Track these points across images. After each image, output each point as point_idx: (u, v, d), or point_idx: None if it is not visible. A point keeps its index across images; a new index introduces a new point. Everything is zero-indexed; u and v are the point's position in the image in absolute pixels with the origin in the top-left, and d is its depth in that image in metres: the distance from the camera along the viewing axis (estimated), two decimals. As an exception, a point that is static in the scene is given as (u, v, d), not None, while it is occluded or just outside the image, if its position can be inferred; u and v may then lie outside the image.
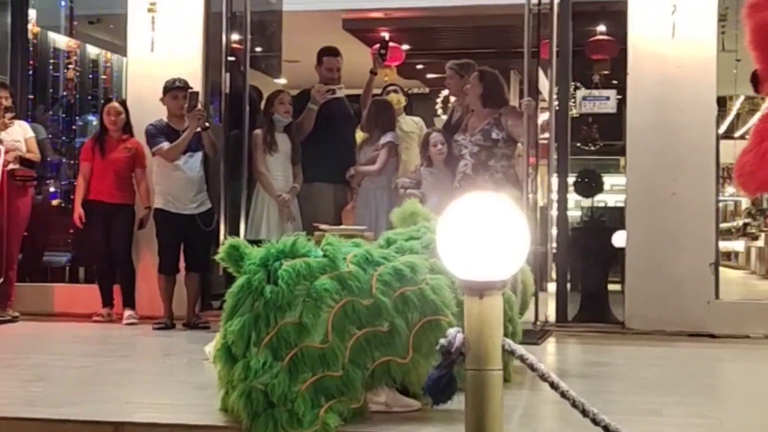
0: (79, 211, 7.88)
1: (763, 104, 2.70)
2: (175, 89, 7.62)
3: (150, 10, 8.21)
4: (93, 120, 11.31)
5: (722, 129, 13.80)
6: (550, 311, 7.88)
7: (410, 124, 8.21)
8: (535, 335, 6.81)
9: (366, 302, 3.74)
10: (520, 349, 2.74)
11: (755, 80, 2.71)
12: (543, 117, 8.33)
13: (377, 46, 8.43)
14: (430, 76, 14.18)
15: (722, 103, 13.63)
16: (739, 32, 9.45)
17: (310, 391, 3.58)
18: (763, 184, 2.64)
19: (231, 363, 3.71)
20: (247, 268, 3.75)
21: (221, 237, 7.60)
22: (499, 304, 2.72)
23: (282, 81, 10.95)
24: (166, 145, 7.49)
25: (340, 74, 7.74)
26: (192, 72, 8.05)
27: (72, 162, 10.63)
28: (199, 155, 7.63)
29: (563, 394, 2.67)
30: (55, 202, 10.17)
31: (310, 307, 3.66)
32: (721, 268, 8.05)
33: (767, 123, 2.55)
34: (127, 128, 7.98)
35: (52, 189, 10.24)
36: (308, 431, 3.53)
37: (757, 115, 2.70)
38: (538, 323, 7.43)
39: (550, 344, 7.03)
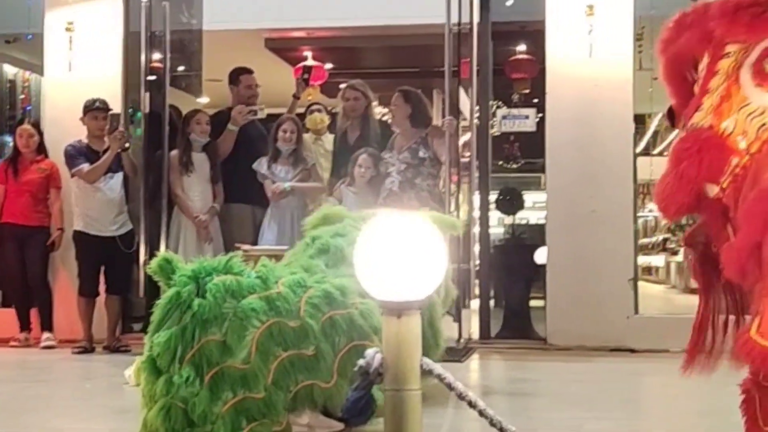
0: None
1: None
2: (94, 110, 7.54)
3: (68, 30, 8.12)
4: (10, 141, 11.11)
5: (641, 146, 14.04)
6: (473, 328, 7.93)
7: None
8: (458, 353, 6.85)
9: (293, 324, 3.71)
10: (438, 368, 2.74)
11: (671, 115, 2.77)
12: (466, 137, 8.40)
13: (300, 70, 8.43)
14: (353, 95, 14.19)
15: (641, 120, 13.86)
16: (655, 51, 9.66)
17: (230, 412, 3.53)
18: (682, 206, 2.68)
19: (155, 377, 3.63)
20: (177, 280, 3.70)
21: (141, 259, 7.51)
22: (417, 324, 2.72)
23: (204, 100, 10.88)
24: (86, 166, 7.40)
25: (257, 90, 7.73)
26: (111, 92, 7.96)
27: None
28: (119, 176, 7.54)
29: (481, 413, 2.68)
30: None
31: (235, 326, 3.62)
32: (641, 283, 8.19)
33: (684, 144, 2.60)
34: (41, 149, 7.88)
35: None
36: None
37: (673, 138, 2.78)
38: (462, 341, 7.46)
39: (474, 361, 7.07)
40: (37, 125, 7.95)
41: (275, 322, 3.65)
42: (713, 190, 2.58)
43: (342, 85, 7.92)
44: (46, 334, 7.66)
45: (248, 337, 3.58)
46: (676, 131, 2.72)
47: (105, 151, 7.43)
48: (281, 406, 3.63)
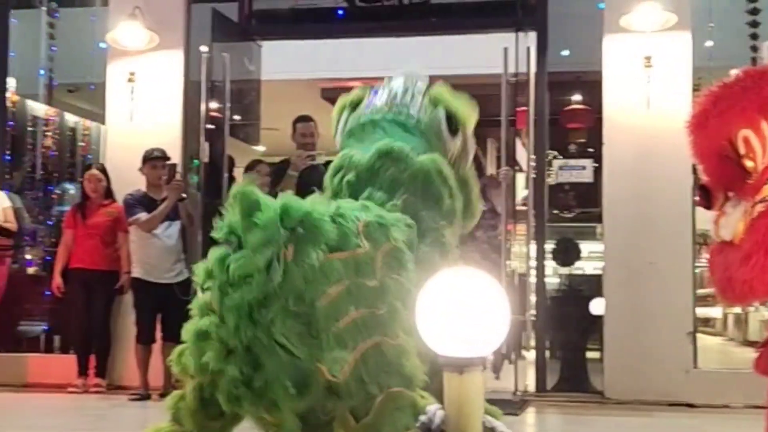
0: (57, 280, 7.88)
1: None
2: (153, 159, 7.65)
3: (129, 80, 8.25)
4: (71, 188, 11.30)
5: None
6: (529, 380, 7.85)
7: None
8: (514, 405, 6.78)
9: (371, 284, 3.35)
10: (501, 426, 2.72)
11: (705, 193, 2.56)
12: (523, 193, 8.37)
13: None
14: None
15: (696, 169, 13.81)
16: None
17: None
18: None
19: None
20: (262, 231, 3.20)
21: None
22: (480, 381, 2.70)
23: (261, 148, 11.00)
24: (143, 215, 7.50)
25: (314, 139, 7.77)
26: (171, 141, 8.08)
27: (50, 230, 10.59)
28: (177, 224, 7.63)
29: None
30: (31, 271, 10.09)
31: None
32: (698, 335, 8.04)
33: None
34: (109, 193, 8.01)
35: (28, 257, 10.17)
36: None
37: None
38: (518, 393, 7.39)
39: (530, 415, 6.98)
40: (104, 170, 8.06)
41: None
42: None
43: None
44: (97, 380, 7.78)
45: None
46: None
47: (163, 200, 7.52)
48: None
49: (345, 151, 4.20)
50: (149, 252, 7.57)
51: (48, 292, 8.57)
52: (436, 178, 4.23)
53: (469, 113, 4.57)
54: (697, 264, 7.91)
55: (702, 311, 17.05)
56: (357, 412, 3.23)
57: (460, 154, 4.61)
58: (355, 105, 4.51)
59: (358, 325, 3.25)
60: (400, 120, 4.28)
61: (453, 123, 4.44)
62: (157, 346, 7.57)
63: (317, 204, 3.46)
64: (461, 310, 2.67)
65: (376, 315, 3.31)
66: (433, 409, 2.75)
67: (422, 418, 2.75)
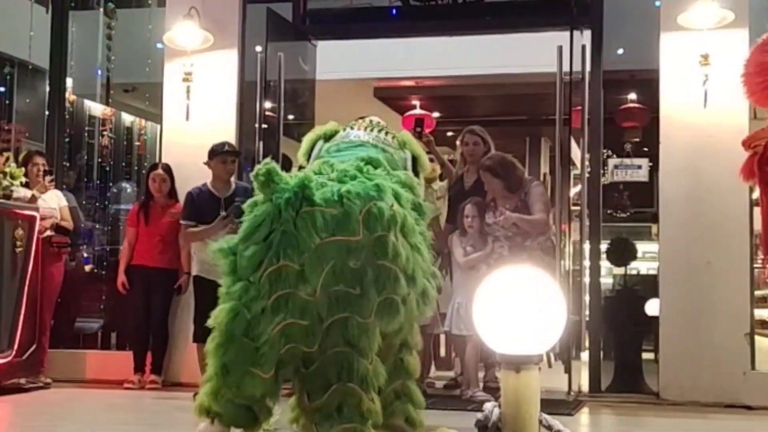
0: (122, 277, 7.98)
1: None
2: (224, 153, 7.53)
3: (185, 80, 8.32)
4: (127, 187, 11.46)
5: (754, 195, 13.73)
6: (583, 381, 7.80)
7: (443, 189, 8.23)
8: (568, 406, 6.75)
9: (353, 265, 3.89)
10: (558, 424, 2.72)
11: None
12: (575, 189, 8.32)
13: (411, 121, 8.48)
14: (460, 143, 14.27)
15: (754, 169, 13.59)
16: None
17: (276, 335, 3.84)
18: None
19: (234, 279, 4.11)
20: (275, 197, 4.04)
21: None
22: (536, 378, 2.71)
23: (314, 148, 11.04)
24: (191, 230, 7.43)
25: None
26: (226, 140, 8.11)
27: (106, 228, 10.74)
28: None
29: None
30: (87, 268, 10.24)
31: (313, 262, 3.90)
32: (756, 337, 7.93)
33: None
34: (172, 194, 8.06)
35: (85, 255, 10.32)
36: (265, 376, 3.82)
37: None
38: (572, 393, 7.35)
39: (584, 415, 6.94)
40: (168, 169, 8.10)
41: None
42: None
43: (449, 133, 7.97)
44: (152, 377, 7.88)
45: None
46: None
47: (227, 198, 7.44)
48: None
49: (322, 160, 4.71)
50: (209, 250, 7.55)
51: (104, 289, 8.68)
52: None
53: (428, 163, 5.32)
54: (754, 264, 7.80)
55: (759, 312, 16.84)
56: (314, 395, 3.87)
57: None
58: (329, 137, 4.91)
59: (332, 300, 3.85)
60: (376, 145, 4.79)
61: (416, 166, 4.93)
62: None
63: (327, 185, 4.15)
64: (518, 309, 2.68)
65: (350, 294, 3.84)
66: (490, 407, 2.76)
67: (479, 415, 2.76)
